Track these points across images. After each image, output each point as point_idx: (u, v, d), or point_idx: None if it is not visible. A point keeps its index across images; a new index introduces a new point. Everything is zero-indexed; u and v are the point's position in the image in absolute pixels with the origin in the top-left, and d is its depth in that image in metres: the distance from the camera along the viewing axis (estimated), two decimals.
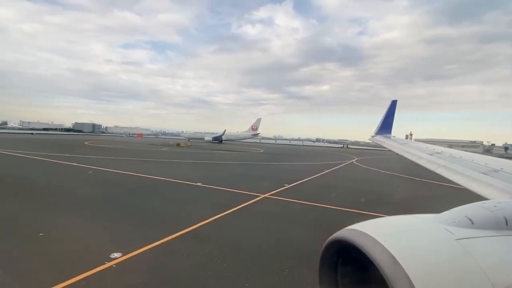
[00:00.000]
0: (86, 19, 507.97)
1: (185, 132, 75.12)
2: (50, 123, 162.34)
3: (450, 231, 0.98)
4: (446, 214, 1.11)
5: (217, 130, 68.15)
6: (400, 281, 0.79)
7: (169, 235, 6.15)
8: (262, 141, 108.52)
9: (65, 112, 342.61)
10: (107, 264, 4.82)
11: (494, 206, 1.12)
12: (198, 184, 12.39)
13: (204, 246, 5.91)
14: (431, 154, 3.74)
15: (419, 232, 1.03)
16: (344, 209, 9.33)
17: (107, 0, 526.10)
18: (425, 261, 0.86)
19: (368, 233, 0.95)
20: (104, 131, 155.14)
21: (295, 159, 30.85)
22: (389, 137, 6.49)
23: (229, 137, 65.83)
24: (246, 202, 9.49)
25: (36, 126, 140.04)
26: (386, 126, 6.96)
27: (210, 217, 7.57)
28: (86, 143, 41.09)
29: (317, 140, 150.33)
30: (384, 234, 0.95)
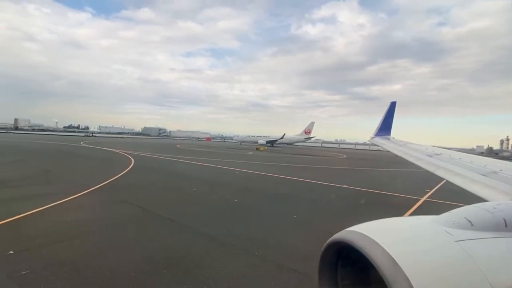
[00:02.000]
0: (153, 32, 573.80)
1: (237, 135, 78.67)
2: (122, 127, 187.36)
3: (449, 233, 1.01)
4: (445, 215, 1.15)
5: (273, 133, 70.42)
6: (400, 283, 0.82)
7: None
8: (324, 145, 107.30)
9: (135, 118, 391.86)
10: None
11: (494, 208, 1.16)
12: (344, 186, 14.23)
13: None
14: (430, 156, 3.85)
15: (418, 234, 1.06)
16: None
17: (172, 12, 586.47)
18: (425, 263, 0.89)
19: (368, 235, 0.99)
20: (168, 135, 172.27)
21: (392, 166, 30.73)
22: (388, 139, 6.69)
23: (283, 140, 67.39)
24: (416, 203, 10.88)
25: (112, 130, 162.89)
26: (385, 127, 7.26)
27: (406, 212, 9.27)
28: (177, 146, 47.72)
29: None
30: (383, 236, 0.99)
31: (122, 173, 14.63)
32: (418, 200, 11.53)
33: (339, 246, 1.08)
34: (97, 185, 11.24)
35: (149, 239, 6.24)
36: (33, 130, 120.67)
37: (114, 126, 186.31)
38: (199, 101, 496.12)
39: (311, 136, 70.49)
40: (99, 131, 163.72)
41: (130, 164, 18.53)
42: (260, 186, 13.48)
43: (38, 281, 4.29)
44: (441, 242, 0.98)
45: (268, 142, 65.83)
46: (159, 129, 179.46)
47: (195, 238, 6.40)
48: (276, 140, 66.08)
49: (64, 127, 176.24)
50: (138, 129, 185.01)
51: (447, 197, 12.32)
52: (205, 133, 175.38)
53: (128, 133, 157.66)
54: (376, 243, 0.94)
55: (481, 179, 2.39)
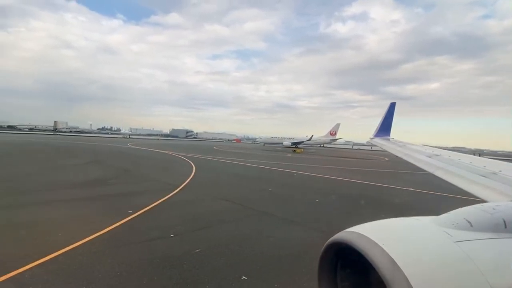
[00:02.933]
0: (181, 36, 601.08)
1: (260, 137, 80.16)
2: (151, 129, 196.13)
3: (449, 234, 1.03)
4: (445, 216, 1.18)
5: (297, 134, 70.68)
6: (399, 283, 0.84)
7: None
8: (355, 147, 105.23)
9: (162, 120, 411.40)
10: None
11: (493, 209, 1.18)
12: (410, 189, 14.65)
13: None
14: (429, 157, 3.91)
15: (418, 235, 1.09)
16: None
17: (199, 16, 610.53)
18: (424, 264, 0.91)
19: (367, 235, 1.01)
20: (195, 136, 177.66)
21: None
22: (388, 139, 6.78)
23: (308, 142, 67.65)
24: None
25: (142, 132, 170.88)
26: (385, 128, 7.34)
27: None
28: (214, 147, 49.93)
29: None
30: (383, 236, 1.01)
31: (193, 174, 16.11)
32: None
33: (338, 247, 1.11)
34: (182, 184, 12.67)
35: (271, 230, 7.30)
36: (70, 132, 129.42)
37: (144, 128, 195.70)
38: (225, 102, 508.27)
39: (336, 137, 70.58)
40: (130, 132, 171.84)
41: (192, 165, 20.16)
42: (326, 187, 14.30)
43: (213, 257, 5.45)
44: (441, 242, 1.00)
45: (293, 143, 66.90)
46: (187, 131, 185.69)
47: (310, 232, 7.38)
48: (302, 142, 66.86)
49: (98, 129, 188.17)
50: (166, 130, 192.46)
51: None
52: (231, 134, 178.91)
53: (157, 135, 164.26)
54: (376, 243, 0.96)
55: (480, 180, 2.45)
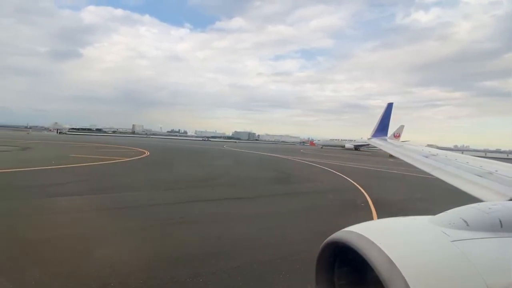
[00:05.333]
0: (243, 39, 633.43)
1: (319, 139, 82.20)
2: (214, 131, 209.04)
3: (445, 233, 1.06)
4: (441, 215, 1.21)
5: (360, 137, 70.50)
6: (397, 283, 0.87)
7: None
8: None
9: (223, 122, 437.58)
10: None
11: (489, 208, 1.22)
12: None
13: None
14: (426, 156, 3.97)
15: (415, 234, 1.13)
16: None
17: (262, 18, 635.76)
18: (421, 263, 0.94)
19: (365, 235, 1.04)
20: (257, 138, 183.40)
21: None
22: (385, 139, 6.83)
23: (372, 145, 65.54)
24: None
25: (207, 134, 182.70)
26: (382, 128, 7.52)
27: None
28: (301, 150, 52.86)
29: None
30: (380, 236, 1.04)
31: (344, 176, 17.88)
32: None
33: (336, 246, 1.15)
34: (355, 184, 14.54)
35: None
36: (146, 134, 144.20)
37: (207, 130, 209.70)
38: (286, 104, 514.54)
39: (400, 140, 67.63)
40: (196, 135, 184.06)
41: (322, 168, 22.27)
42: None
43: None
44: (438, 242, 1.04)
45: (355, 146, 68.21)
46: (249, 133, 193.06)
47: None
48: (367, 144, 66.18)
49: (168, 131, 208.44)
50: (228, 133, 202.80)
51: None
52: (294, 137, 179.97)
53: (220, 137, 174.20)
54: (373, 243, 1.00)
55: (477, 180, 2.55)
